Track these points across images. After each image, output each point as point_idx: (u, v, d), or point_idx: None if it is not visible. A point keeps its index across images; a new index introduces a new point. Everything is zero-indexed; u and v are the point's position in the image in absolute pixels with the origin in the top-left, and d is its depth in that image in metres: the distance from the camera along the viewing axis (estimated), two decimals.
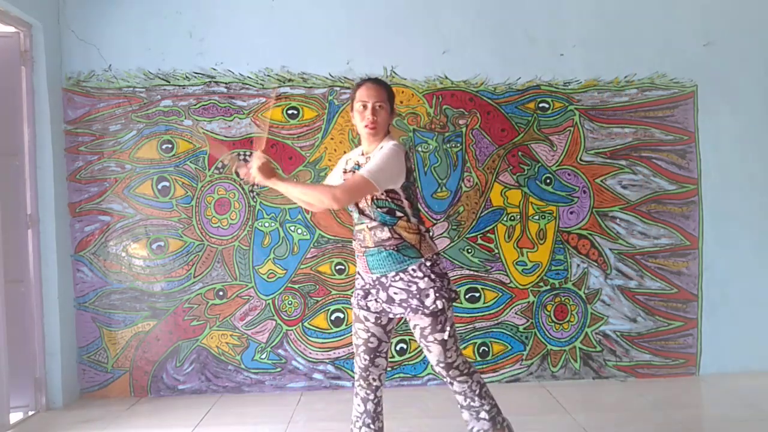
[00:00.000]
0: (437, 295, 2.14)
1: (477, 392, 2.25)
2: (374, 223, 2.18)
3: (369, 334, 2.27)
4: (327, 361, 3.62)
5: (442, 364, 2.21)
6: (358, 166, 2.28)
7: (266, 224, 3.60)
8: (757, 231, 3.70)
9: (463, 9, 3.63)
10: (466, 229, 3.63)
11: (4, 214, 3.17)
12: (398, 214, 2.19)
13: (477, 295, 3.62)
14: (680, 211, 3.69)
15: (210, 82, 3.59)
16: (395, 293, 2.18)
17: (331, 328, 3.61)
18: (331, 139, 3.60)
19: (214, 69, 3.59)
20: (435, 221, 3.62)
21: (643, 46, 3.66)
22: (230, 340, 3.60)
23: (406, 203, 2.20)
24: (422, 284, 2.15)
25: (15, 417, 3.22)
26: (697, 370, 3.69)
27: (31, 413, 3.32)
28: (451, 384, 2.26)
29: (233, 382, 3.61)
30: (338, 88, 3.60)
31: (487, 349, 3.64)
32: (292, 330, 3.61)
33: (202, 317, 3.59)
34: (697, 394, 3.47)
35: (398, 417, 3.03)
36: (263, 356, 3.60)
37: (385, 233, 2.17)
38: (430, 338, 2.18)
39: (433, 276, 2.16)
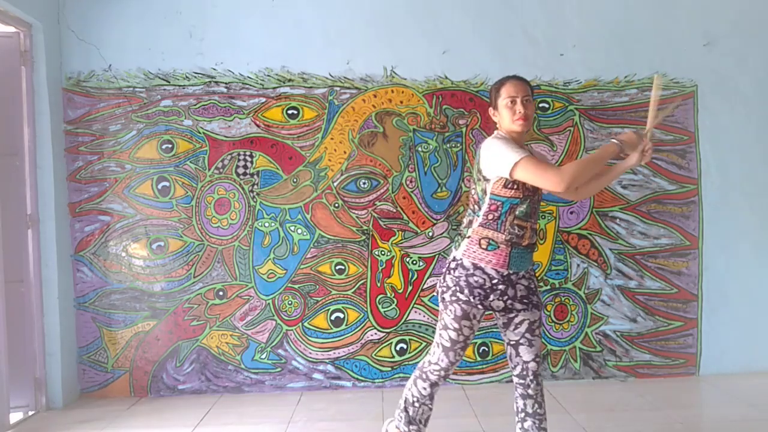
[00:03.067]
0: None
1: (543, 396, 2.31)
2: (536, 225, 2.24)
3: (472, 332, 2.25)
4: (327, 361, 3.62)
5: (539, 358, 2.28)
6: None
7: (266, 224, 3.60)
8: (757, 231, 3.70)
9: (463, 9, 3.63)
10: None
11: (4, 214, 3.17)
12: None
13: None
14: (680, 211, 3.69)
15: (210, 82, 3.59)
16: (520, 289, 2.23)
17: (331, 328, 3.61)
18: (331, 139, 3.60)
19: (214, 69, 3.59)
20: (435, 221, 3.61)
21: (643, 46, 3.66)
22: (230, 340, 3.60)
23: None
24: (535, 281, 2.31)
25: (15, 417, 3.22)
26: (697, 370, 3.69)
27: (31, 413, 3.31)
28: (529, 385, 2.26)
29: (233, 382, 3.61)
30: (338, 88, 3.60)
31: (487, 349, 3.64)
32: (292, 330, 3.61)
33: (202, 317, 3.59)
34: (697, 394, 3.47)
35: None
36: (263, 356, 3.60)
37: (535, 237, 2.25)
38: (537, 331, 2.28)
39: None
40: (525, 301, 2.22)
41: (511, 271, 2.19)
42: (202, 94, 3.59)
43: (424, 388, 2.32)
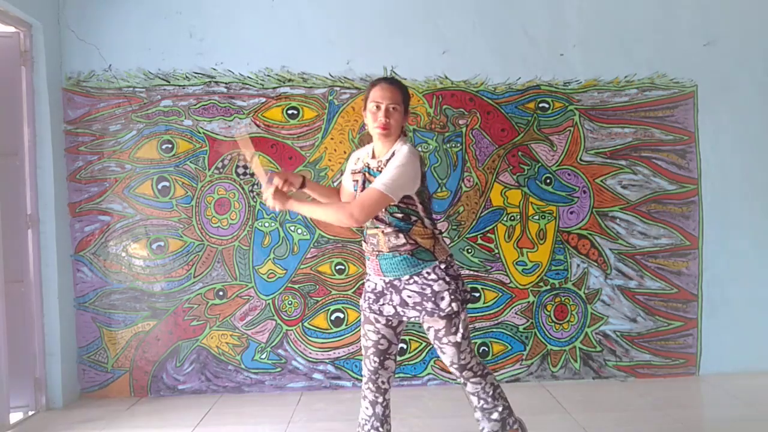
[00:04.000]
0: (452, 297, 2.13)
1: (490, 393, 2.28)
2: (389, 229, 2.15)
3: (379, 336, 2.25)
4: (327, 361, 3.62)
5: (456, 366, 2.22)
6: (368, 168, 2.22)
7: (266, 224, 3.60)
8: (757, 231, 3.70)
9: (463, 9, 3.63)
10: (466, 229, 3.63)
11: (4, 214, 3.17)
12: (413, 218, 2.16)
13: (477, 295, 3.62)
14: (680, 211, 3.69)
15: (210, 82, 3.59)
16: (409, 296, 2.17)
17: (331, 328, 3.61)
18: (331, 139, 3.60)
19: (214, 69, 3.59)
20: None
21: (643, 46, 3.66)
22: (230, 340, 3.60)
23: (420, 207, 2.17)
24: (436, 287, 2.14)
25: (15, 417, 3.22)
26: (697, 370, 3.69)
27: (31, 413, 3.31)
28: (465, 385, 2.28)
29: (233, 382, 3.61)
30: (338, 88, 3.60)
31: (487, 349, 3.64)
32: (292, 330, 3.61)
33: (202, 317, 3.59)
34: (697, 394, 3.47)
35: (398, 417, 3.03)
36: (263, 356, 3.60)
37: (401, 239, 2.14)
38: (445, 340, 2.18)
39: (447, 278, 2.16)
40: (418, 307, 2.16)
41: (390, 277, 2.18)
42: (202, 94, 3.59)
43: (366, 408, 2.29)
